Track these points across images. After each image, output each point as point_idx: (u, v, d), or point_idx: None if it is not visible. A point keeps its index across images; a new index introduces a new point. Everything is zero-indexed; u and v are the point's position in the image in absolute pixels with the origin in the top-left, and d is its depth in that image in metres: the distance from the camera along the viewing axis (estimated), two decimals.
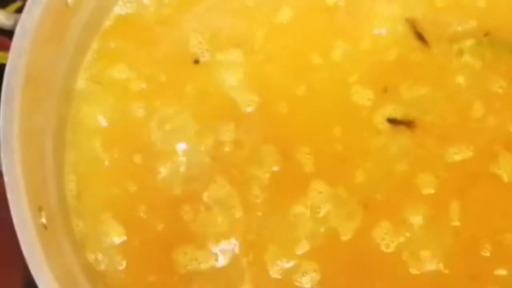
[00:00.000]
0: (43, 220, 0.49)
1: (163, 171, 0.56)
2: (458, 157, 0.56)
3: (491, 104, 0.57)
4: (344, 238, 0.54)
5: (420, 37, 0.58)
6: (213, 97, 0.58)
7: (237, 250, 0.55)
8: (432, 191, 0.55)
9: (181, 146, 0.57)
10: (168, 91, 0.58)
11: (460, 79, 0.58)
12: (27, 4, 0.50)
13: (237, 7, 0.60)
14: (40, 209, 0.49)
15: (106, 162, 0.56)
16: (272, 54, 0.59)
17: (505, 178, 0.56)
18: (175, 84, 0.58)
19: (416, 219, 0.55)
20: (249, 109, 0.57)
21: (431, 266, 0.54)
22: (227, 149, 0.56)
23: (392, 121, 0.57)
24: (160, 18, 0.60)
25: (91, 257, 0.55)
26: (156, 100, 0.58)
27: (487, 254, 0.54)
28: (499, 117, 0.57)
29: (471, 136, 0.57)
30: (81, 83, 0.58)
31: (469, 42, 0.58)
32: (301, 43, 0.59)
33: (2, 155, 0.48)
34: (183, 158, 0.56)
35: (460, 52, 0.58)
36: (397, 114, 0.57)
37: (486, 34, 0.59)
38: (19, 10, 0.51)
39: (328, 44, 0.59)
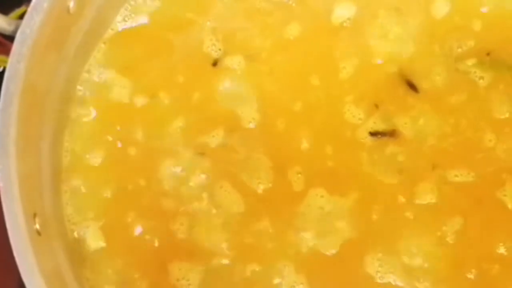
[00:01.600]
0: (37, 226, 0.49)
1: (160, 174, 0.56)
2: (458, 179, 0.56)
3: (496, 129, 0.57)
4: (333, 258, 0.54)
5: (412, 86, 0.58)
6: (217, 105, 0.58)
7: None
8: (429, 208, 0.55)
9: (178, 151, 0.57)
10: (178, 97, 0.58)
11: (462, 100, 0.58)
12: (29, 10, 0.50)
13: (251, 11, 0.60)
14: (34, 215, 0.49)
15: (103, 169, 0.57)
16: (275, 67, 0.59)
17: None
18: (189, 87, 0.59)
19: (410, 241, 0.55)
20: (250, 125, 0.57)
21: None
22: (222, 157, 0.57)
23: (374, 134, 0.57)
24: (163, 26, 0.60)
25: (84, 264, 0.55)
26: (162, 106, 0.58)
27: (471, 276, 0.54)
28: (506, 143, 0.57)
29: (472, 158, 0.57)
30: (80, 89, 0.58)
31: (471, 62, 0.58)
32: (303, 60, 0.59)
33: None
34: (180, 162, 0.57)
35: (464, 72, 0.58)
36: (379, 127, 0.57)
37: (488, 54, 0.58)
38: (22, 16, 0.51)
39: (329, 63, 0.59)
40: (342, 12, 0.60)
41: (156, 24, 0.60)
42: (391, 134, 0.57)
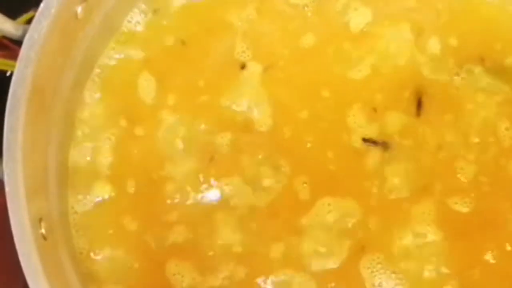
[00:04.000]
0: (43, 231, 0.49)
1: (166, 176, 0.57)
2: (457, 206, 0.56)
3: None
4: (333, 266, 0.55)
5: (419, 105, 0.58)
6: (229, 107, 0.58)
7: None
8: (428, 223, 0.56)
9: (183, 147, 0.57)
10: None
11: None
12: (37, 15, 0.50)
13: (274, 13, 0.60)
14: (40, 220, 0.49)
15: (108, 173, 0.57)
16: (291, 75, 0.59)
17: None
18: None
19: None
20: (262, 129, 0.58)
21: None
22: (228, 161, 0.57)
23: (367, 140, 0.57)
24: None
25: (90, 268, 0.55)
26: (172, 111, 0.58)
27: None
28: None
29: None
30: (87, 94, 0.58)
31: (477, 69, 0.58)
32: (317, 69, 0.59)
33: (4, 164, 0.48)
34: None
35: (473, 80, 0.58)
36: (373, 134, 0.57)
37: (482, 60, 0.58)
38: (30, 21, 0.51)
39: (342, 73, 0.59)
40: (359, 19, 0.60)
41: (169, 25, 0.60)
42: (383, 145, 0.57)
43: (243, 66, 0.59)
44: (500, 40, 0.59)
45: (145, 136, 0.58)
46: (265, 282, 0.54)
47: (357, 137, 0.57)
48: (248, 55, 0.59)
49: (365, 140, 0.57)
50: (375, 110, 0.58)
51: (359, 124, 0.57)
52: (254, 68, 0.59)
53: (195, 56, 0.59)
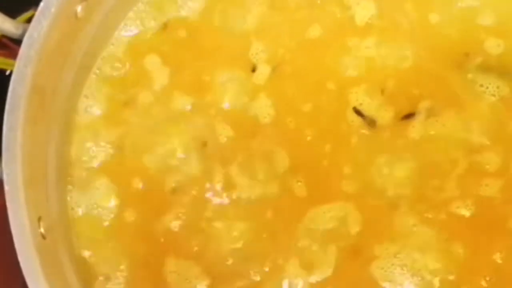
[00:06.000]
0: (42, 230, 0.49)
1: (166, 173, 0.57)
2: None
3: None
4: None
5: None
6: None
7: None
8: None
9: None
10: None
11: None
12: (37, 14, 0.50)
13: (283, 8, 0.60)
14: (39, 219, 0.49)
15: (108, 172, 0.57)
16: (297, 68, 0.59)
17: None
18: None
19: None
20: (266, 120, 0.58)
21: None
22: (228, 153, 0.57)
23: (358, 112, 0.57)
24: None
25: (89, 267, 0.55)
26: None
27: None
28: None
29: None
30: (87, 93, 0.58)
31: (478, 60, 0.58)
32: (323, 62, 0.59)
33: (3, 163, 0.48)
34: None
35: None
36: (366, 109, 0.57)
37: (466, 54, 0.58)
38: (30, 20, 0.51)
39: (347, 65, 0.59)
40: (364, 12, 0.60)
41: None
42: (370, 122, 0.57)
43: (253, 69, 0.59)
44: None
45: (147, 134, 0.58)
46: (263, 284, 0.55)
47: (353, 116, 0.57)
48: (260, 57, 0.59)
49: (356, 111, 0.57)
50: (382, 92, 0.57)
51: (360, 101, 0.57)
52: (264, 69, 0.59)
53: (203, 53, 0.59)
